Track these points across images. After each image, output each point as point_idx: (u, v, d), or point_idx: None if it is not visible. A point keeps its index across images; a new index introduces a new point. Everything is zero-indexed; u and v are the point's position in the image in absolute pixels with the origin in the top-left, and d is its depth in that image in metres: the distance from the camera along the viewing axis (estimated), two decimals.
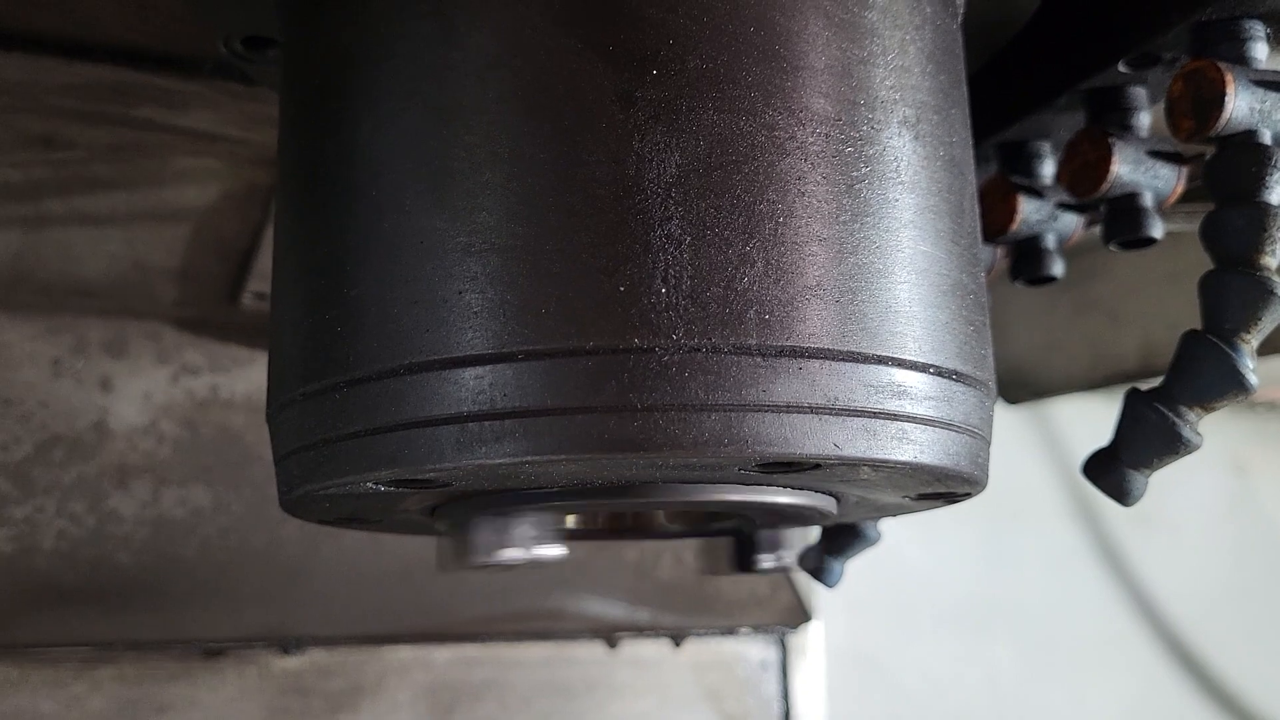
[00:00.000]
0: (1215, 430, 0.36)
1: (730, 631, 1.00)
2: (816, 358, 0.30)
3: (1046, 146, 0.49)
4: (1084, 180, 0.44)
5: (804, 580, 1.05)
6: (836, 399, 0.30)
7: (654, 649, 0.97)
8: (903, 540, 1.09)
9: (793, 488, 0.35)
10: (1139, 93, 0.45)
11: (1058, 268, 0.49)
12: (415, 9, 0.32)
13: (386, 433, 0.30)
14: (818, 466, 0.31)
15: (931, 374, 0.32)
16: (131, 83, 0.49)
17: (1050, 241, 0.49)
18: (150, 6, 0.43)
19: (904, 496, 0.37)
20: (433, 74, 0.31)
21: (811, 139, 0.31)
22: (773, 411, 0.29)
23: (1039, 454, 1.27)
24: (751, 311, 0.29)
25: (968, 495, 0.37)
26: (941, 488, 0.35)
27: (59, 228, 0.63)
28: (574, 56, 0.30)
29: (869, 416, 0.30)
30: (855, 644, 1.17)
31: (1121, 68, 0.43)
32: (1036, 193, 0.49)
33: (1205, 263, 0.39)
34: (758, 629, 1.01)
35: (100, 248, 0.66)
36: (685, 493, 0.33)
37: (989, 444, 0.35)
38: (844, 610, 1.13)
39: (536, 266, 0.29)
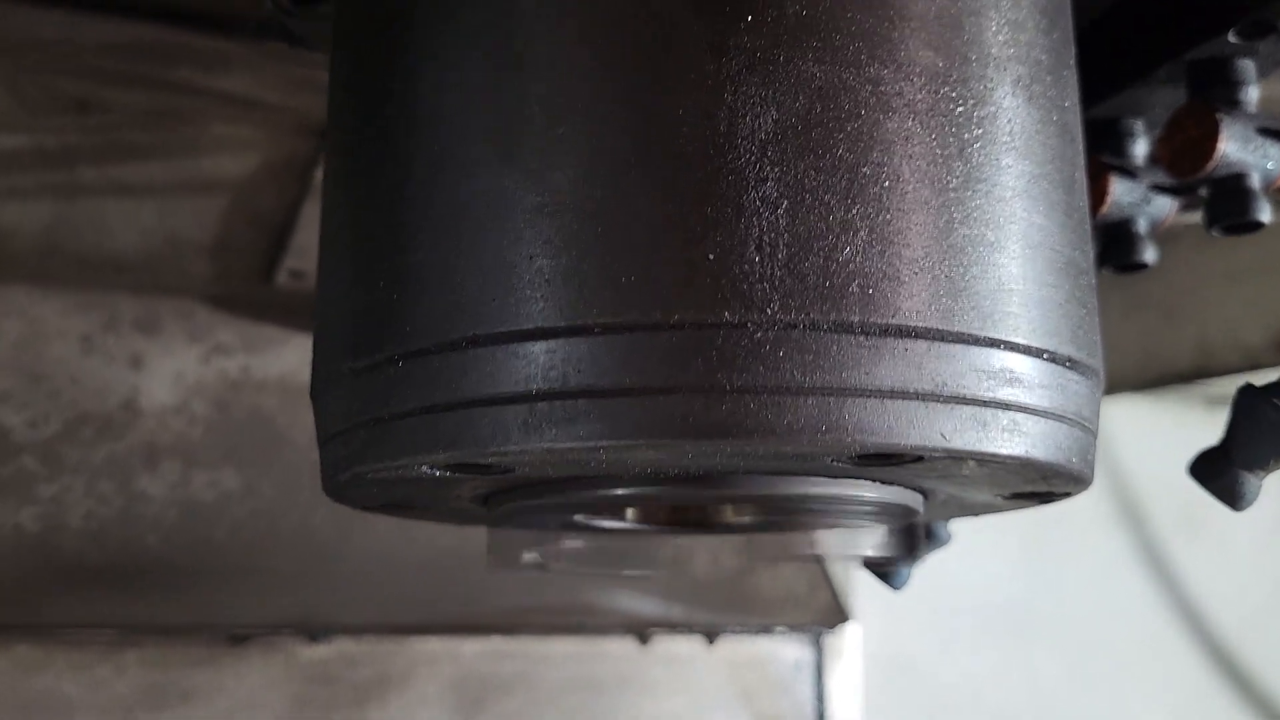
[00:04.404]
0: None
1: (765, 630, 0.97)
2: (924, 338, 0.27)
3: (1140, 124, 0.46)
4: (1187, 159, 0.41)
5: (842, 580, 1.02)
6: (945, 384, 0.27)
7: (687, 646, 0.95)
8: None
9: (882, 482, 0.32)
10: (1247, 65, 0.42)
11: (1150, 254, 0.46)
12: None
13: (446, 411, 0.27)
14: (920, 459, 0.28)
15: (1045, 360, 0.29)
16: (170, 42, 0.47)
17: (1142, 226, 0.46)
18: None
19: (997, 495, 0.34)
20: (499, 19, 0.28)
21: (920, 96, 0.28)
22: (876, 397, 0.26)
23: None
24: (854, 285, 0.26)
25: (1067, 495, 0.34)
26: (1044, 486, 0.32)
27: (93, 197, 0.61)
28: (658, 1, 0.27)
29: (979, 405, 0.27)
30: (893, 647, 1.14)
31: (1231, 37, 0.40)
32: (1129, 173, 0.45)
33: (1265, 262, 0.35)
34: (793, 629, 0.99)
35: (134, 220, 0.64)
36: (767, 485, 0.30)
37: (1096, 438, 0.32)
38: (882, 612, 1.10)
39: (616, 230, 0.26)
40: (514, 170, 0.27)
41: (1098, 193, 0.45)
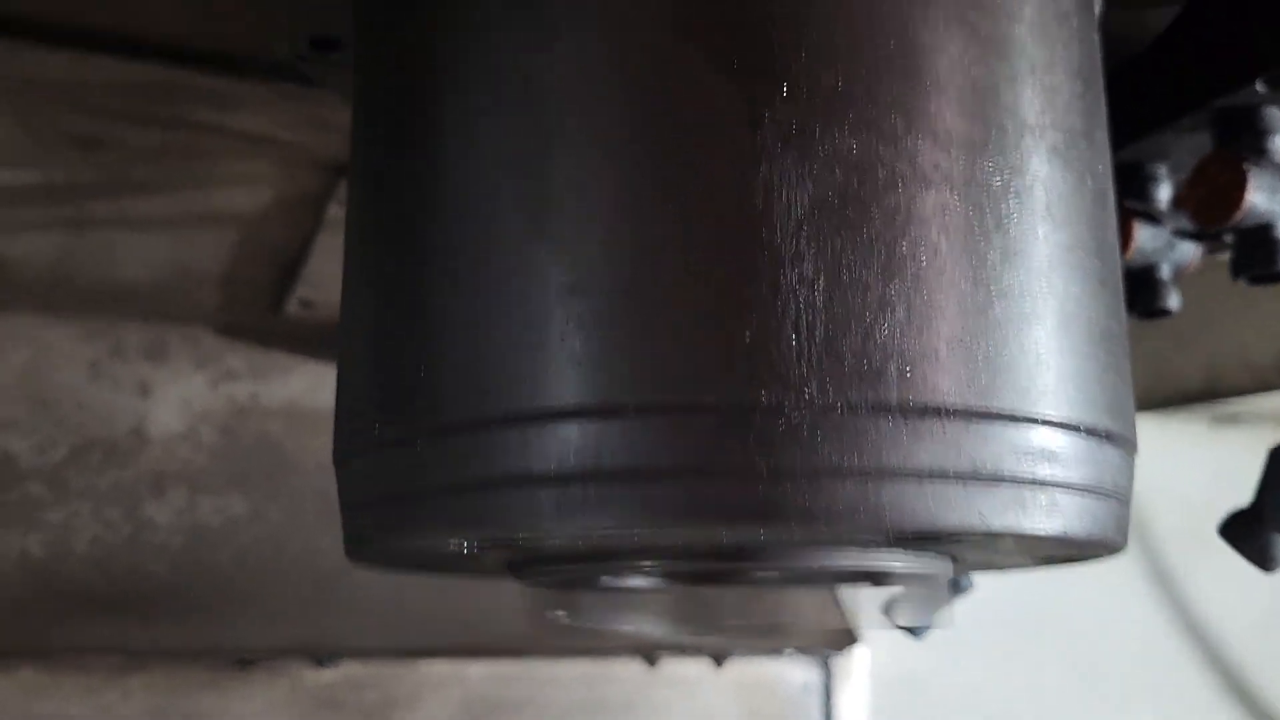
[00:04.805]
0: None
1: (774, 652, 0.97)
2: (962, 418, 0.26)
3: (1164, 169, 0.46)
4: (1213, 208, 0.41)
5: (850, 602, 1.01)
6: (983, 464, 0.26)
7: (695, 668, 0.94)
8: None
9: (914, 550, 0.31)
10: (1275, 114, 0.41)
11: (1173, 300, 0.46)
12: (511, 7, 0.29)
13: (476, 490, 0.27)
14: (958, 538, 0.27)
15: (1083, 434, 0.28)
16: (182, 83, 0.46)
17: (1166, 272, 0.46)
18: (207, 5, 0.40)
19: (1027, 558, 0.33)
20: (531, 84, 0.28)
21: (957, 168, 0.27)
22: (914, 479, 0.26)
23: None
24: (892, 365, 0.26)
25: (1097, 558, 0.33)
26: (1078, 553, 0.31)
27: (102, 230, 0.60)
28: (693, 69, 0.27)
29: (1018, 484, 0.27)
30: (901, 668, 1.13)
31: (1259, 86, 0.39)
32: (1153, 219, 0.45)
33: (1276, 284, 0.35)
34: (802, 650, 0.98)
35: (143, 251, 0.63)
36: (799, 558, 0.30)
37: (1130, 504, 0.32)
38: (889, 633, 1.10)
39: (650, 308, 0.26)
40: (544, 245, 0.27)
41: (1122, 239, 0.44)
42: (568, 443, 0.26)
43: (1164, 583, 1.27)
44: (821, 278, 0.26)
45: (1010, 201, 0.28)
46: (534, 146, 0.28)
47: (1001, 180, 0.28)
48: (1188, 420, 1.27)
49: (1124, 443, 0.30)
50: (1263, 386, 1.12)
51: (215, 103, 0.48)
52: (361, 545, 0.31)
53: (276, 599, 0.85)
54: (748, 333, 0.25)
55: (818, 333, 0.25)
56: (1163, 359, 1.10)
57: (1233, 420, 1.33)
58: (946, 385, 0.26)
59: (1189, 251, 0.46)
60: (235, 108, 0.49)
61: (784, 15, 0.27)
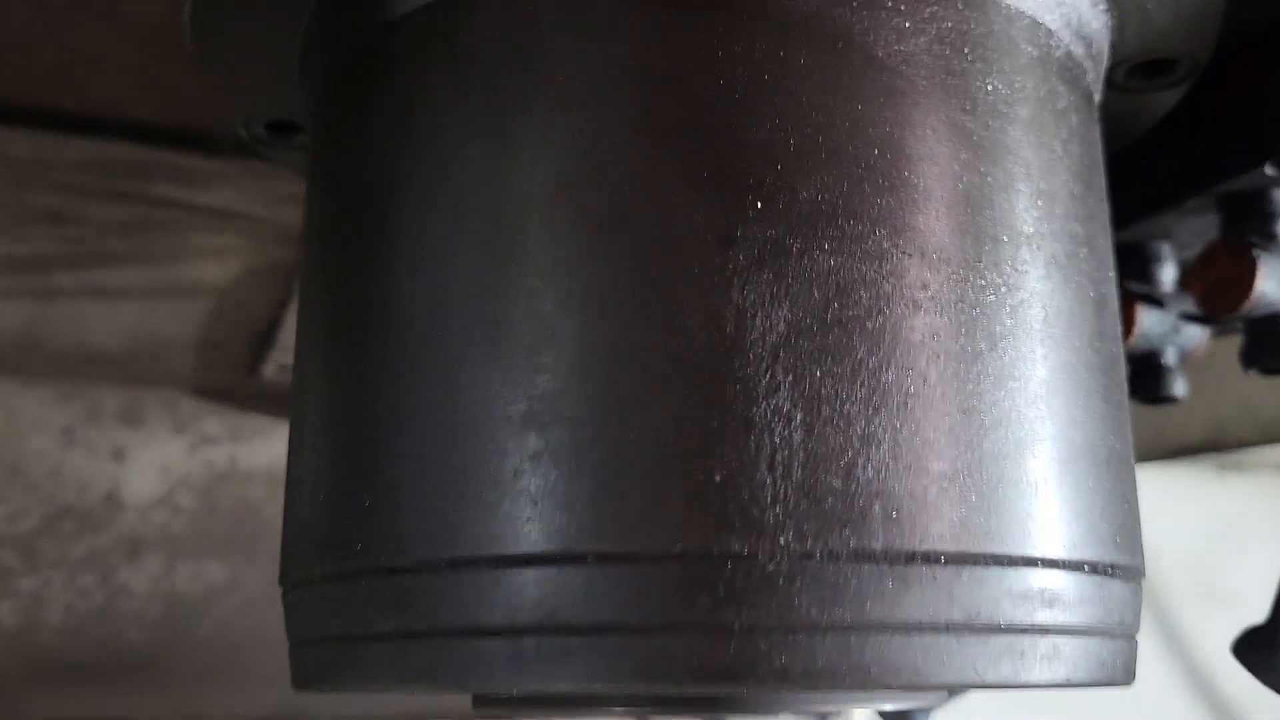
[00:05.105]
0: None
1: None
2: (954, 563, 0.24)
3: (1167, 248, 0.44)
4: (1222, 296, 0.39)
5: None
6: (978, 614, 0.24)
7: None
8: None
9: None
10: None
11: (1179, 387, 0.44)
12: (468, 115, 0.27)
13: (424, 639, 0.25)
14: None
15: (1086, 572, 0.26)
16: (147, 160, 0.44)
17: (1171, 357, 0.43)
18: (169, 88, 0.38)
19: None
20: (488, 198, 0.26)
21: (947, 286, 0.25)
22: (901, 632, 0.23)
23: None
24: (876, 507, 0.23)
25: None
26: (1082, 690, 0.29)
27: (70, 300, 0.58)
28: (659, 182, 0.25)
29: (1016, 632, 0.25)
30: None
31: (1268, 169, 0.37)
32: (1157, 302, 0.43)
33: None
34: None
35: (114, 320, 0.61)
36: (775, 705, 0.27)
37: (1137, 634, 0.30)
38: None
39: (612, 445, 0.24)
40: (498, 370, 0.25)
41: (1124, 323, 0.42)
42: (522, 592, 0.24)
43: (1169, 634, 1.24)
44: (799, 411, 0.24)
45: (1005, 320, 0.26)
46: (488, 263, 0.25)
47: (996, 297, 0.26)
48: (1193, 470, 1.25)
49: (1130, 574, 0.28)
50: (1268, 438, 1.10)
51: (183, 179, 0.46)
52: (308, 684, 0.29)
53: (257, 669, 0.83)
54: (718, 473, 0.23)
55: (795, 472, 0.23)
56: (1166, 412, 1.07)
57: (1238, 468, 1.30)
58: (937, 528, 0.24)
59: (1195, 335, 0.43)
60: (203, 184, 0.47)
61: (758, 122, 0.25)
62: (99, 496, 0.78)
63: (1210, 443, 1.12)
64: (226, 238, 0.52)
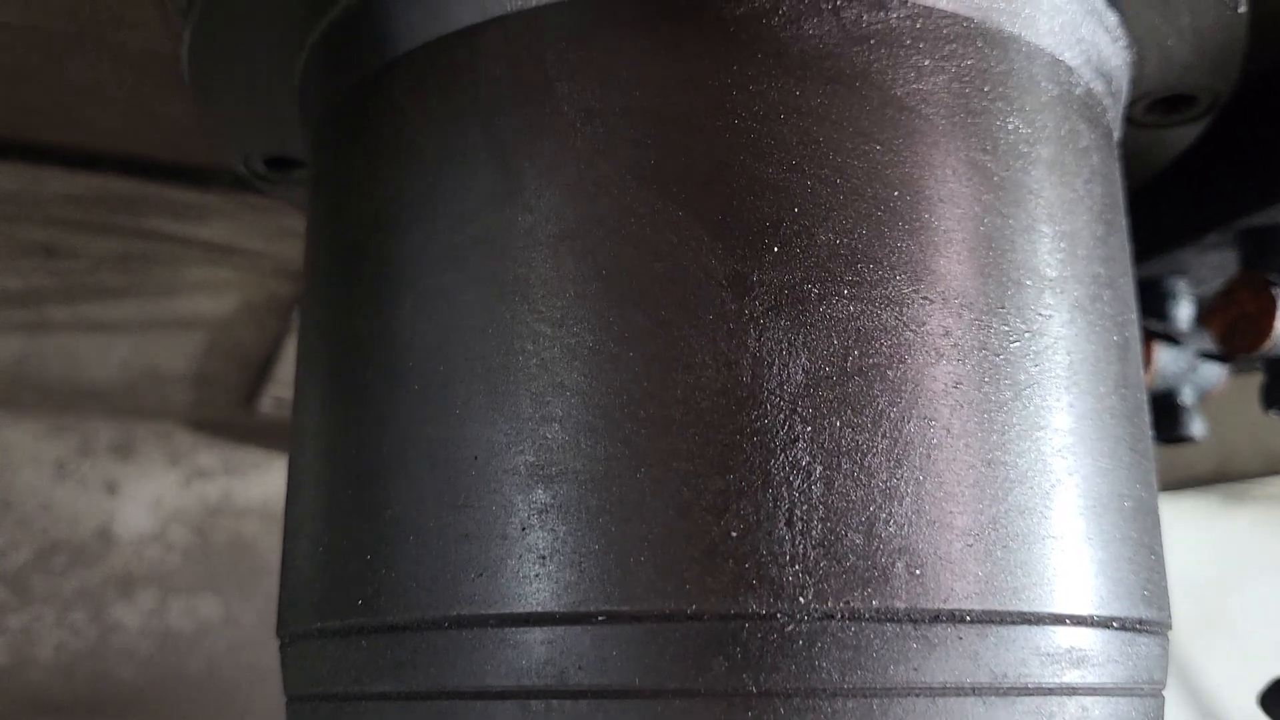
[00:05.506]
0: None
1: None
2: (979, 623, 0.23)
3: (1183, 284, 0.43)
4: (1242, 335, 0.38)
5: None
6: (1004, 675, 0.23)
7: None
8: None
9: None
10: None
11: (1197, 427, 0.43)
12: (472, 155, 0.26)
13: (427, 700, 0.24)
14: None
15: (1115, 629, 0.25)
16: (142, 194, 0.43)
17: (1188, 396, 0.42)
18: (165, 120, 0.38)
19: None
20: (492, 240, 0.25)
21: (970, 334, 0.24)
22: (925, 695, 0.22)
23: None
24: (899, 565, 0.22)
25: None
26: None
27: (63, 334, 0.57)
28: (671, 226, 0.24)
29: (1043, 694, 0.23)
30: None
31: None
32: (1173, 340, 0.42)
33: None
34: None
35: (108, 353, 0.60)
36: None
37: (1164, 693, 0.28)
38: None
39: (623, 500, 0.23)
40: (504, 420, 0.24)
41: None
42: (529, 652, 0.23)
43: (1176, 669, 1.23)
44: (818, 464, 0.23)
45: (1029, 367, 0.25)
46: (492, 305, 0.25)
47: (1020, 344, 0.25)
48: (1198, 499, 1.24)
49: (1158, 628, 0.27)
50: (1275, 469, 1.09)
51: (178, 213, 0.46)
52: None
53: (251, 707, 0.81)
54: (734, 529, 0.22)
55: (815, 528, 0.22)
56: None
57: (1244, 498, 1.29)
58: (961, 586, 0.23)
59: (1212, 374, 0.43)
60: (199, 217, 0.46)
61: (772, 163, 0.24)
62: (91, 531, 0.77)
63: (1218, 474, 1.11)
64: (222, 271, 0.51)
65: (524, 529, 0.23)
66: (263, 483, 0.79)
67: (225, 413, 0.71)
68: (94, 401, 0.70)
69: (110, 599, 0.78)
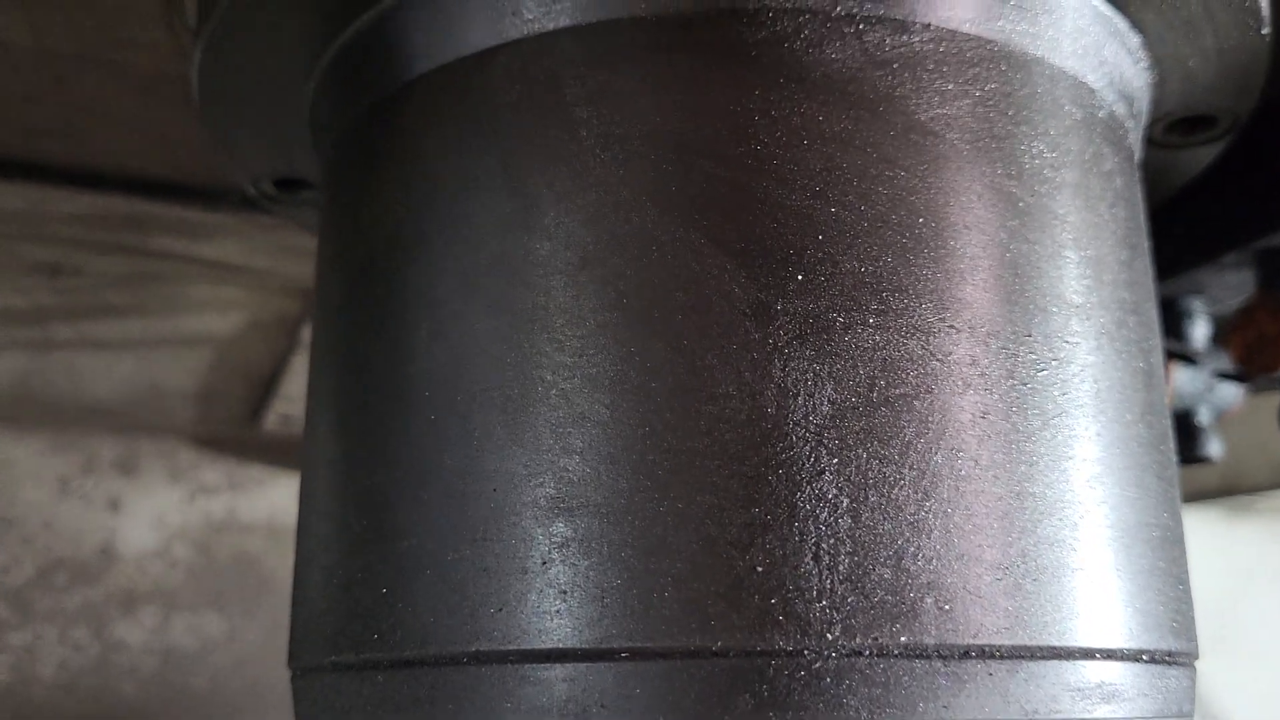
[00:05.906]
0: None
1: None
2: (1010, 658, 0.22)
3: (1199, 304, 0.43)
4: (1261, 356, 0.37)
5: None
6: (1035, 711, 0.23)
7: None
8: None
9: None
10: None
11: (1214, 447, 0.42)
12: (487, 181, 0.26)
13: None
14: None
15: (1145, 662, 0.25)
16: (148, 213, 0.43)
17: (1205, 417, 0.42)
18: (172, 141, 0.37)
19: None
20: (509, 267, 0.25)
21: (997, 363, 0.24)
22: None
23: None
24: (928, 599, 0.22)
25: None
26: None
27: (67, 351, 0.57)
28: (693, 254, 0.23)
29: None
30: None
31: None
32: (1190, 360, 0.42)
33: None
34: None
35: (112, 371, 0.60)
36: None
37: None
38: None
39: (646, 534, 0.22)
40: (523, 450, 0.23)
41: None
42: (550, 690, 0.22)
43: None
44: (845, 497, 0.22)
45: (1057, 397, 0.24)
46: (510, 332, 0.24)
47: (1047, 373, 0.24)
48: (1204, 512, 1.23)
49: (1187, 659, 0.26)
50: None
51: (184, 231, 0.45)
52: None
53: None
54: (760, 564, 0.22)
55: (841, 562, 0.22)
56: None
57: (1248, 511, 1.29)
58: (991, 621, 0.22)
59: (1230, 395, 0.42)
60: (205, 236, 0.46)
61: (795, 190, 0.24)
62: (94, 548, 0.76)
63: (1225, 487, 1.11)
64: (229, 289, 0.50)
65: (544, 563, 0.23)
66: (267, 499, 0.78)
67: (230, 429, 0.71)
68: (98, 418, 0.69)
69: (113, 616, 0.78)
